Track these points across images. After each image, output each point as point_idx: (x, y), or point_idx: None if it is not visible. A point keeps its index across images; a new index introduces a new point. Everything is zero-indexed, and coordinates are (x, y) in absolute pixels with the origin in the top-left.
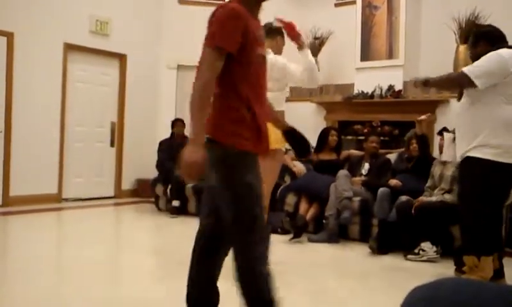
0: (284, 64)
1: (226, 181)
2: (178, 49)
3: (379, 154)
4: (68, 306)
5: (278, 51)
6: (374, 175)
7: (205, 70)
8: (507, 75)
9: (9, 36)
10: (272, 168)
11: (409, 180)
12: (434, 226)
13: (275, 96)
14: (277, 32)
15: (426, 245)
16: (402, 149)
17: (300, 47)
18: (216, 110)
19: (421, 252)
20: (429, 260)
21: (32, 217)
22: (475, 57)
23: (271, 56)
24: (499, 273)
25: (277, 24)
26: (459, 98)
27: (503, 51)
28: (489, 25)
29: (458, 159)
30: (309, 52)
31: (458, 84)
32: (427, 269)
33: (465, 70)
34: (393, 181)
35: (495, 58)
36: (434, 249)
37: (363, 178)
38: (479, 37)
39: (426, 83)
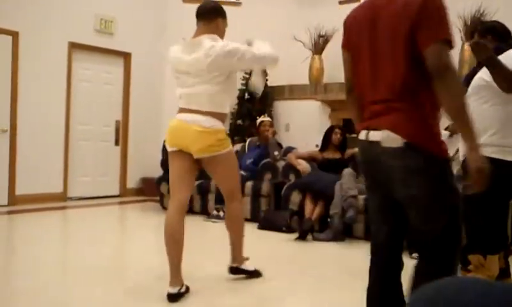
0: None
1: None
2: None
3: None
4: (73, 304)
5: (221, 36)
6: None
7: (453, 68)
8: None
9: (15, 35)
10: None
11: None
12: None
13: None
14: (216, 13)
15: None
16: None
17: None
18: (418, 112)
19: None
20: None
21: (38, 216)
22: None
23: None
24: (505, 272)
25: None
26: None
27: None
28: (495, 21)
29: (461, 158)
30: (255, 45)
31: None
32: None
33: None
34: None
35: None
36: None
37: None
38: (486, 31)
39: (490, 57)
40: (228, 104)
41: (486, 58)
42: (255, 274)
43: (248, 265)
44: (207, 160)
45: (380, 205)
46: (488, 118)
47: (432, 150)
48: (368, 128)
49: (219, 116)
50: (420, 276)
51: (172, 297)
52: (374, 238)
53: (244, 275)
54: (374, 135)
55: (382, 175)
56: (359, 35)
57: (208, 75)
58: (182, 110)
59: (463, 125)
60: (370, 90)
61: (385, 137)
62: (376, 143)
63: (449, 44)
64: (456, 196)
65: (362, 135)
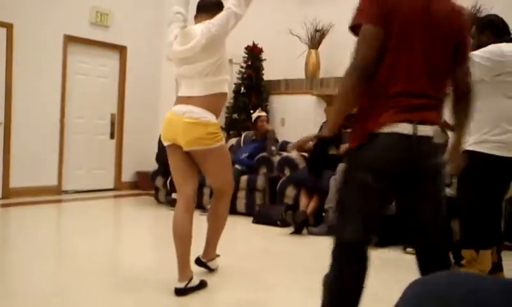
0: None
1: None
2: None
3: None
4: (67, 296)
5: None
6: None
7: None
8: (505, 72)
9: (9, 28)
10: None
11: None
12: None
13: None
14: (218, 7)
15: None
16: None
17: None
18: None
19: None
20: None
21: (32, 209)
22: (478, 45)
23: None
24: (497, 266)
25: None
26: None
27: (504, 46)
28: (495, 15)
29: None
30: None
31: None
32: None
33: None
34: None
35: (492, 48)
36: None
37: None
38: (485, 26)
39: None
40: (227, 82)
41: None
42: (202, 285)
43: (212, 264)
44: (196, 154)
45: (381, 207)
46: (480, 115)
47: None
48: (412, 122)
49: (217, 100)
50: (438, 266)
51: (180, 292)
52: (356, 236)
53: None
54: (425, 130)
55: (415, 172)
56: (410, 22)
57: (204, 57)
58: (179, 100)
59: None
60: (412, 82)
61: (436, 132)
62: (426, 138)
63: None
64: None
65: (403, 128)
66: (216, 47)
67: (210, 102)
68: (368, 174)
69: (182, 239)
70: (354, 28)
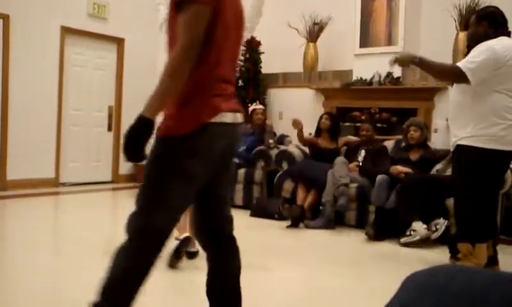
0: None
1: None
2: None
3: (375, 141)
4: (64, 289)
5: None
6: (369, 162)
7: None
8: (497, 68)
9: (5, 19)
10: None
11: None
12: (430, 198)
13: None
14: None
15: (417, 225)
16: (400, 137)
17: None
18: None
19: (412, 232)
20: (422, 240)
21: (30, 202)
22: (474, 35)
23: None
24: (493, 260)
25: None
26: (452, 84)
27: (496, 44)
28: (495, 7)
29: (450, 148)
30: None
31: (451, 77)
32: (422, 256)
33: (461, 65)
34: (398, 169)
35: (488, 54)
36: (425, 226)
37: (358, 163)
38: (483, 17)
39: (417, 62)
40: None
41: (419, 65)
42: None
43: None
44: None
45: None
46: (471, 109)
47: None
48: (233, 110)
49: None
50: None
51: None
52: (167, 225)
53: None
54: (238, 118)
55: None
56: (230, 8)
57: None
58: None
59: None
60: (231, 70)
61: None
62: (239, 126)
63: None
64: None
65: (229, 117)
66: None
67: None
68: (196, 163)
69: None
70: (180, 3)
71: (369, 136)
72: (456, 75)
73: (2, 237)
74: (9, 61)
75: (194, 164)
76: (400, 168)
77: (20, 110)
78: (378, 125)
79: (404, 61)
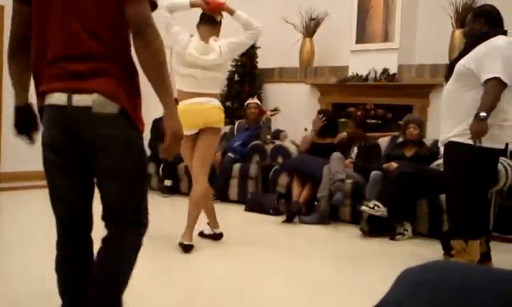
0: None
1: None
2: None
3: (367, 138)
4: None
5: (218, 34)
6: (362, 159)
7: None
8: None
9: (0, 10)
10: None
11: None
12: (424, 192)
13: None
14: (220, 22)
15: (407, 225)
16: (396, 133)
17: (231, 13)
18: None
19: (405, 232)
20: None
21: (24, 194)
22: (470, 33)
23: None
24: (486, 256)
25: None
26: (446, 81)
27: (500, 42)
28: (491, 5)
29: (440, 144)
30: (239, 12)
31: (499, 93)
32: (416, 252)
33: (491, 76)
34: (393, 166)
35: (501, 53)
36: (411, 227)
37: (352, 160)
38: (480, 14)
39: (483, 117)
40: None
41: (484, 120)
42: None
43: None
44: (207, 130)
45: (76, 183)
46: (469, 105)
47: None
48: (67, 91)
49: (218, 96)
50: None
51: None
52: (65, 215)
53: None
54: (83, 100)
55: (81, 146)
56: None
57: (217, 69)
58: (191, 94)
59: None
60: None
61: (96, 102)
62: (84, 108)
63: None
64: None
65: (57, 99)
66: (227, 63)
67: (216, 97)
68: (48, 150)
69: (196, 205)
70: None
71: (351, 133)
72: (500, 88)
73: None
74: (4, 51)
75: (45, 150)
76: (394, 165)
77: (14, 101)
78: (373, 121)
79: (478, 132)
